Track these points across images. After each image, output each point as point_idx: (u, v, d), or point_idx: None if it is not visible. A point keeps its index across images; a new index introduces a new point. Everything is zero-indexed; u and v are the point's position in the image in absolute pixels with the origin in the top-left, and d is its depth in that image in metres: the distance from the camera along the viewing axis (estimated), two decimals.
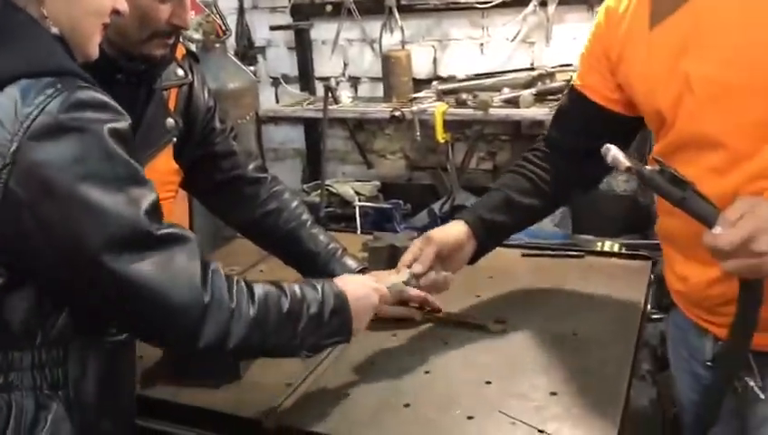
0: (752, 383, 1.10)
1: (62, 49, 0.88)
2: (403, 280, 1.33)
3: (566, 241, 2.22)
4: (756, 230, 0.91)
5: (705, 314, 1.20)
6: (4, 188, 0.77)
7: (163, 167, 1.42)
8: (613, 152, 1.00)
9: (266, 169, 1.60)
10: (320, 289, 1.10)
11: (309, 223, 1.55)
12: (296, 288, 1.08)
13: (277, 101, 3.39)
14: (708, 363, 1.21)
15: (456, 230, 1.42)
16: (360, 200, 2.71)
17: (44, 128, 0.77)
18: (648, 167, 1.01)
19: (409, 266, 1.36)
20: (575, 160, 1.36)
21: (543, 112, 2.24)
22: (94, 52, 0.94)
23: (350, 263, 1.53)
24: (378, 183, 2.89)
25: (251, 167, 1.55)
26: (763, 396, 1.10)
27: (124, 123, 0.87)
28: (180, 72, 1.41)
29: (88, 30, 0.92)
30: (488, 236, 1.45)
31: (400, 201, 2.70)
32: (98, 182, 0.81)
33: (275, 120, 3.38)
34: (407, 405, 1.16)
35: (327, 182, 2.90)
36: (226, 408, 1.19)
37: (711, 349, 1.20)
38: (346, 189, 2.81)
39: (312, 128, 3.03)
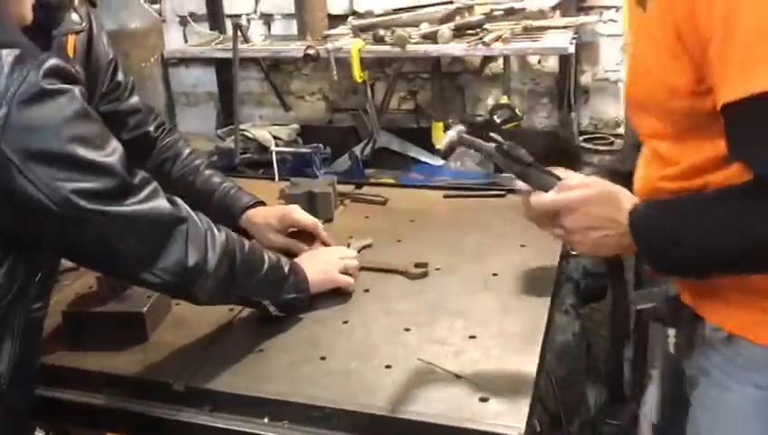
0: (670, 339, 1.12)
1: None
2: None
3: (488, 180, 2.22)
4: (570, 207, 0.95)
5: None
6: None
7: None
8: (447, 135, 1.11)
9: (164, 122, 1.58)
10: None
11: (202, 166, 1.55)
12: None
13: (186, 42, 3.20)
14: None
15: None
16: (277, 145, 2.62)
17: (30, 94, 0.84)
18: (490, 144, 1.08)
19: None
20: None
21: (461, 48, 2.19)
22: (28, 14, 0.96)
23: (245, 198, 1.52)
24: (296, 126, 2.79)
25: (153, 125, 1.52)
26: (672, 351, 1.12)
27: (81, 85, 0.93)
28: (76, 17, 1.32)
29: None
30: None
31: (320, 145, 2.63)
32: (82, 141, 0.88)
33: (185, 61, 3.20)
34: (323, 358, 1.13)
35: (242, 127, 2.78)
36: (131, 371, 1.13)
37: None
38: (263, 134, 2.70)
39: (225, 70, 2.88)
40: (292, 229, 1.50)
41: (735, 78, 0.78)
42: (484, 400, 0.99)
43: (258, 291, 1.17)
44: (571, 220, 0.96)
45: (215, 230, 1.08)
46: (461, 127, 1.17)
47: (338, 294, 1.34)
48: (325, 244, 1.50)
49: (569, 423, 2.25)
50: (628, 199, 0.96)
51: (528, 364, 1.07)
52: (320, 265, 1.29)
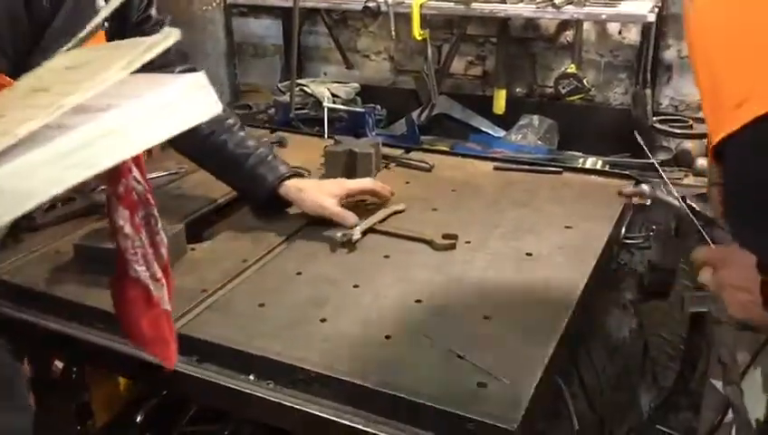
0: None
1: None
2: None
3: (548, 156, 2.10)
4: (724, 259, 0.92)
5: None
6: None
7: None
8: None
9: (195, 71, 1.50)
10: None
11: (236, 127, 1.48)
12: None
13: None
14: None
15: None
16: (335, 103, 2.56)
17: None
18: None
19: None
20: None
21: (530, 9, 2.06)
22: None
23: (281, 167, 1.46)
24: (356, 86, 2.72)
25: (180, 68, 1.46)
26: None
27: None
28: None
29: None
30: None
31: (377, 106, 2.55)
32: None
33: (255, 11, 3.18)
34: (323, 320, 1.08)
35: (302, 82, 2.74)
36: None
37: None
38: (321, 90, 2.65)
39: (291, 22, 2.85)
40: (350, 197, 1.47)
41: None
42: (482, 385, 0.92)
43: None
44: (721, 275, 0.92)
45: None
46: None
47: (354, 256, 1.29)
48: (380, 196, 1.47)
49: (617, 426, 2.14)
50: None
51: (540, 354, 0.99)
52: None
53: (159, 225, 0.90)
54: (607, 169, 1.90)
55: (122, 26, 1.36)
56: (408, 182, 1.67)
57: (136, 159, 0.85)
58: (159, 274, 0.91)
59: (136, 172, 0.85)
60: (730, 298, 0.90)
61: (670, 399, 2.42)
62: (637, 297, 2.18)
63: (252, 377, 0.99)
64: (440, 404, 0.87)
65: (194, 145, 1.48)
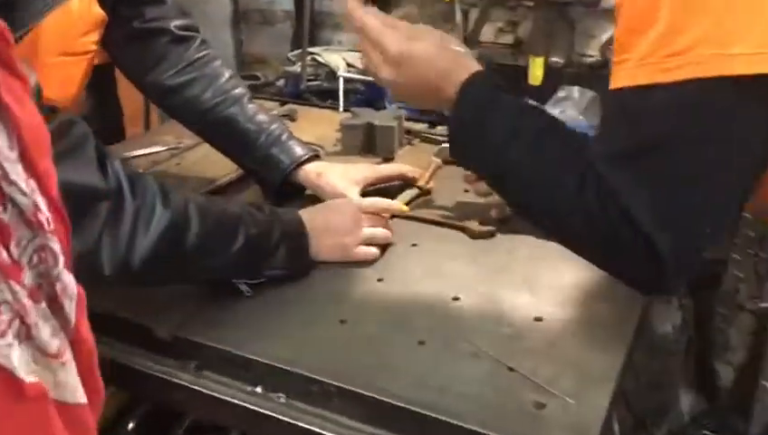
0: None
1: None
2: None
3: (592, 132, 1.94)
4: (397, 59, 0.91)
5: None
6: None
7: (81, 10, 1.20)
8: None
9: (197, 30, 1.39)
10: (267, 211, 1.03)
11: (245, 98, 1.34)
12: (229, 206, 1.01)
13: None
14: None
15: None
16: (351, 73, 2.42)
17: None
18: None
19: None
20: None
21: None
22: None
23: (297, 149, 1.31)
24: None
25: (178, 22, 1.34)
26: None
27: None
28: None
29: None
30: None
31: None
32: None
33: None
34: (343, 321, 0.94)
35: (315, 50, 2.59)
36: (116, 309, 0.99)
37: None
38: (335, 59, 2.50)
39: None
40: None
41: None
42: (540, 406, 0.78)
43: (224, 271, 0.98)
44: (391, 72, 0.91)
45: (155, 208, 0.88)
46: None
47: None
48: (411, 181, 1.36)
49: (656, 428, 2.02)
50: (464, 67, 0.88)
51: (608, 366, 0.85)
52: (337, 238, 1.07)
53: (61, 264, 0.50)
54: None
55: None
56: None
57: (24, 157, 0.47)
58: (55, 346, 0.51)
59: (18, 177, 0.46)
60: (403, 93, 0.96)
61: (716, 400, 2.28)
62: (683, 290, 2.05)
63: (259, 389, 0.85)
64: (488, 429, 0.74)
65: (197, 117, 1.34)
